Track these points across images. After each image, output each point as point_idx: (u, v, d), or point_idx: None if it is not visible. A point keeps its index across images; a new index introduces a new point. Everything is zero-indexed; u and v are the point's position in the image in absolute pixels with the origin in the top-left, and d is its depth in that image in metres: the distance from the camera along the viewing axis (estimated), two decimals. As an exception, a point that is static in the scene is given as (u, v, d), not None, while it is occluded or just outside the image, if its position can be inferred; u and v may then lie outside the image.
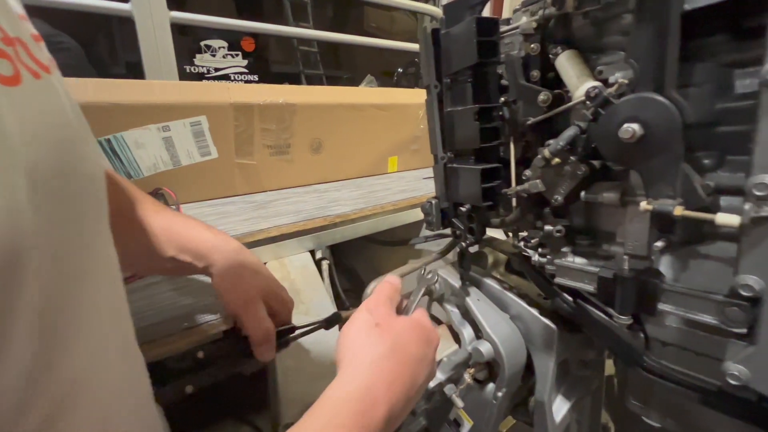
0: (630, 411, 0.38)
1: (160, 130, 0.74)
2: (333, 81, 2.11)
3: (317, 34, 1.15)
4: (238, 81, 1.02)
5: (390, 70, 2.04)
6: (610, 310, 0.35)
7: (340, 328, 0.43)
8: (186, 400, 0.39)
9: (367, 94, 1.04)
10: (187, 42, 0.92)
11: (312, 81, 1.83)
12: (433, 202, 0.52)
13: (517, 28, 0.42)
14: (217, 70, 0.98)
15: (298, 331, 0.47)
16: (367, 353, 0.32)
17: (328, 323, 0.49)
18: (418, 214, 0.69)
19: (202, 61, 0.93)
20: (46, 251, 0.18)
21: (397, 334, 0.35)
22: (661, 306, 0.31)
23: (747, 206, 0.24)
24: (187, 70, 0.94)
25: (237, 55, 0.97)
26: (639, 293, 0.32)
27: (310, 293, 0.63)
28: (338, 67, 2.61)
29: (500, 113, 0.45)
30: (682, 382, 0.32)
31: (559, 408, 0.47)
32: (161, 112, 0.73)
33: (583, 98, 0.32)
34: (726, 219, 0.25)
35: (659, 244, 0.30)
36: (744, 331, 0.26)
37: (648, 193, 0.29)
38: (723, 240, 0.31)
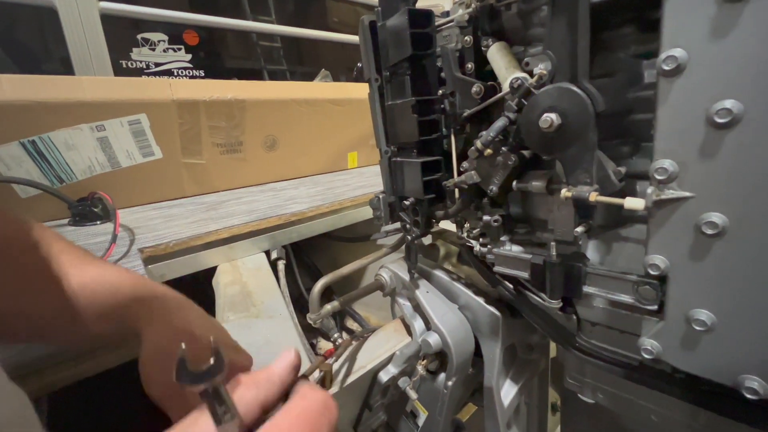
0: (566, 389, 0.40)
1: (94, 130, 0.69)
2: (295, 76, 2.06)
3: (268, 27, 1.11)
4: (181, 77, 0.97)
5: (353, 65, 2.01)
6: (543, 295, 0.36)
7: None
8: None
9: (322, 89, 1.02)
10: (124, 35, 0.86)
11: (276, 77, 1.77)
12: (381, 197, 0.51)
13: (452, 20, 0.42)
14: (157, 65, 0.92)
15: None
16: None
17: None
18: (372, 210, 0.68)
19: (140, 55, 0.87)
20: None
21: None
22: (586, 288, 0.32)
23: (649, 190, 0.25)
24: (124, 65, 0.88)
25: (179, 49, 0.91)
26: (566, 277, 0.33)
27: (262, 295, 0.61)
28: (301, 62, 2.54)
29: (441, 105, 0.45)
30: (609, 359, 0.34)
31: (508, 391, 0.48)
32: (94, 110, 0.68)
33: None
34: (633, 203, 0.26)
35: (579, 229, 0.31)
36: (655, 307, 0.28)
37: (568, 180, 0.30)
38: (640, 223, 0.33)
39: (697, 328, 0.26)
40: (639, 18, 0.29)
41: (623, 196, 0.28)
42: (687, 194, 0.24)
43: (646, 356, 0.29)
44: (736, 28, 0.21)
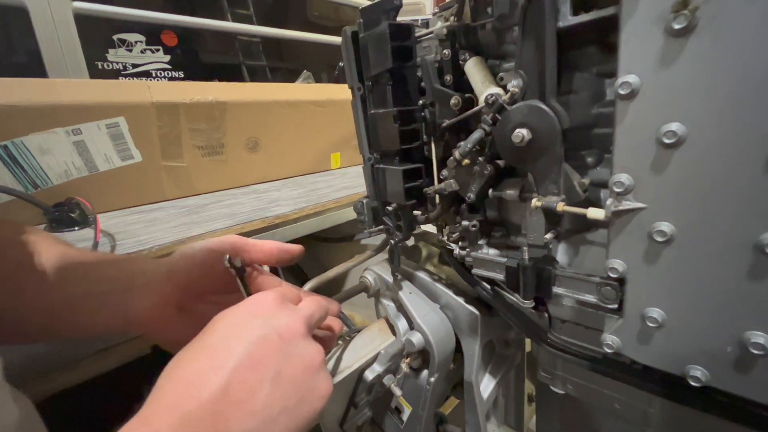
0: (540, 382, 0.43)
1: (70, 134, 0.68)
2: (276, 72, 2.03)
3: (246, 28, 1.09)
4: (160, 78, 0.95)
5: (335, 62, 2.00)
6: (517, 296, 0.38)
7: None
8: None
9: (304, 90, 1.02)
10: (99, 35, 0.83)
11: (255, 73, 1.74)
12: (364, 201, 0.53)
13: (432, 32, 0.44)
14: (135, 66, 0.90)
15: None
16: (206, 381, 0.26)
17: None
18: (356, 212, 0.70)
19: (117, 56, 0.85)
20: None
21: (278, 362, 0.28)
22: (556, 289, 0.35)
23: (609, 201, 0.28)
24: (100, 67, 0.86)
25: (158, 50, 0.89)
26: (537, 279, 0.35)
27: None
28: (281, 58, 2.51)
29: (422, 114, 0.47)
30: (577, 353, 0.37)
31: (487, 385, 0.51)
32: (69, 113, 0.67)
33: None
34: (594, 213, 0.29)
35: (549, 236, 0.33)
36: (615, 306, 0.31)
37: (538, 190, 0.33)
38: (604, 228, 0.36)
39: (651, 324, 0.28)
40: (601, 41, 0.32)
41: (588, 205, 0.30)
42: (641, 205, 0.27)
43: (608, 350, 0.31)
44: (680, 60, 0.24)
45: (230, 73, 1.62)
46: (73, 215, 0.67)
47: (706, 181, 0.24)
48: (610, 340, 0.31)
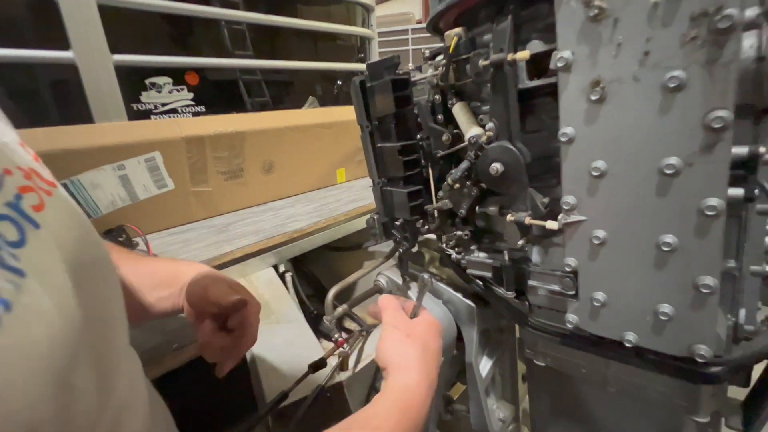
0: (527, 358, 0.53)
1: (115, 169, 0.78)
2: (277, 91, 2.07)
3: (259, 63, 1.21)
4: (186, 114, 1.06)
5: (332, 79, 2.09)
6: (502, 289, 0.49)
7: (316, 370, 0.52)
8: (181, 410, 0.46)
9: (311, 115, 1.13)
10: (133, 81, 0.94)
11: (256, 95, 1.78)
12: (375, 217, 0.63)
13: (425, 78, 0.55)
14: (164, 105, 1.01)
15: (291, 398, 0.49)
16: (410, 358, 0.44)
17: (314, 368, 0.53)
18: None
19: (149, 98, 0.96)
20: (90, 331, 0.25)
21: (421, 337, 0.47)
22: (531, 282, 0.45)
23: (560, 216, 0.38)
24: (135, 108, 0.96)
25: (182, 89, 1.00)
26: (516, 275, 0.46)
27: (278, 304, 0.72)
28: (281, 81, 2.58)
29: (421, 144, 0.57)
30: (551, 331, 0.47)
31: (485, 365, 0.61)
32: (114, 152, 0.77)
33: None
34: (550, 225, 0.39)
35: (521, 242, 0.44)
36: (573, 293, 0.41)
37: (511, 208, 0.43)
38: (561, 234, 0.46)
39: (596, 304, 0.39)
40: (553, 94, 0.42)
41: (550, 218, 0.41)
42: (583, 218, 0.37)
43: (570, 326, 0.42)
44: (598, 119, 0.34)
45: (237, 100, 1.64)
46: (121, 240, 0.78)
47: (622, 200, 0.35)
48: (571, 318, 0.42)
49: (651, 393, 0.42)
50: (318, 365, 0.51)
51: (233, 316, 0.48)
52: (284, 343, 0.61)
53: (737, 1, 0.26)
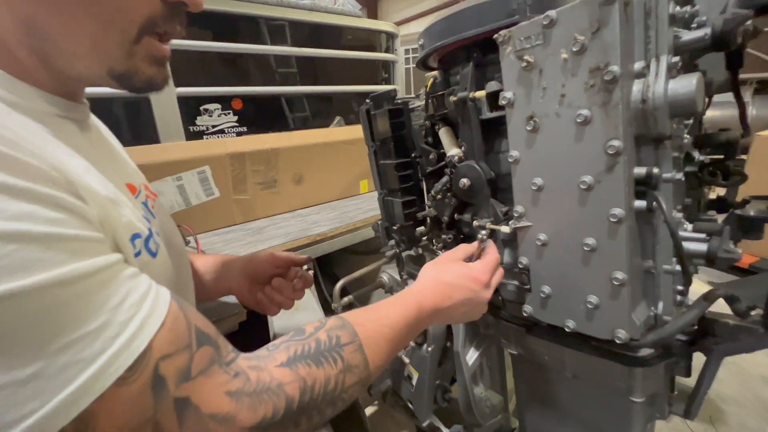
0: (503, 348, 0.61)
1: (175, 180, 0.96)
2: (317, 106, 2.20)
3: (295, 89, 1.38)
4: (231, 134, 1.24)
5: (366, 95, 2.23)
6: (476, 284, 0.57)
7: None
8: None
9: (337, 132, 1.27)
10: (190, 107, 1.14)
11: (297, 119, 1.93)
12: (380, 222, 0.74)
13: (419, 106, 0.66)
14: (213, 126, 1.20)
15: None
16: (419, 278, 0.51)
17: None
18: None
19: (202, 121, 1.15)
20: (176, 281, 0.41)
21: (441, 268, 0.50)
22: (497, 278, 0.54)
23: (511, 222, 0.47)
24: (191, 130, 1.16)
25: (229, 113, 1.19)
26: (486, 272, 0.54)
27: (299, 296, 0.84)
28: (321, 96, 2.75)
29: (418, 161, 0.68)
30: (518, 323, 0.55)
31: (471, 355, 0.69)
32: (174, 166, 0.95)
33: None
34: (504, 229, 0.48)
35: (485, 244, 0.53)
36: (528, 287, 0.49)
37: (478, 215, 0.52)
38: (531, 237, 0.54)
39: (543, 296, 0.47)
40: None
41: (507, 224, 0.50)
42: (529, 224, 0.46)
43: (526, 315, 0.50)
44: (534, 144, 0.43)
45: (280, 115, 1.81)
46: (176, 238, 0.95)
47: (556, 209, 0.43)
48: (527, 309, 0.50)
49: (599, 377, 0.49)
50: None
51: (292, 269, 0.66)
52: (301, 324, 0.73)
53: (618, 61, 0.34)
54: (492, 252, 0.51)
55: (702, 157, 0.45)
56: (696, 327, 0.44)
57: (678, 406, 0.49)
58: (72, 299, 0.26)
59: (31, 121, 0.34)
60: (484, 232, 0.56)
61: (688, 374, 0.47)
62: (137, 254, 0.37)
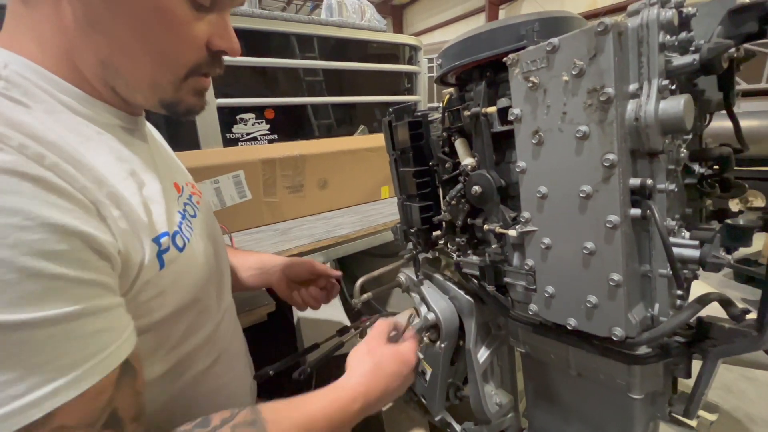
0: (513, 347, 0.65)
1: (212, 183, 1.05)
2: (341, 114, 2.28)
3: (329, 100, 1.47)
4: (263, 141, 1.34)
5: (387, 104, 2.31)
6: (486, 284, 0.61)
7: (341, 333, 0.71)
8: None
9: (361, 140, 1.34)
10: (228, 116, 1.24)
11: (322, 126, 2.02)
12: (398, 226, 0.80)
13: (437, 118, 0.71)
14: (248, 134, 1.30)
15: (323, 347, 0.72)
16: (356, 366, 0.54)
17: (341, 332, 0.74)
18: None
19: (238, 129, 1.26)
20: (216, 269, 0.48)
21: (380, 357, 0.55)
22: (506, 279, 0.58)
23: (518, 226, 0.51)
24: (227, 137, 1.26)
25: (262, 122, 1.29)
26: (495, 273, 0.59)
27: (322, 292, 0.91)
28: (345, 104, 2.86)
29: (435, 169, 0.73)
30: (525, 321, 0.59)
31: (482, 353, 0.73)
32: (213, 170, 1.04)
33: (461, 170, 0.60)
34: (512, 233, 0.52)
35: (494, 246, 0.57)
36: (534, 287, 0.53)
37: (489, 220, 0.57)
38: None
39: (548, 296, 0.51)
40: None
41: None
42: (535, 228, 0.50)
43: (531, 313, 0.54)
44: (540, 156, 0.47)
45: (306, 122, 1.91)
46: (212, 236, 1.04)
47: (558, 215, 0.47)
48: (532, 308, 0.53)
49: (601, 375, 0.52)
50: (343, 330, 0.68)
51: (322, 279, 0.78)
52: (322, 316, 0.79)
53: (612, 83, 0.39)
54: (415, 334, 0.60)
55: (702, 170, 0.48)
56: (694, 330, 0.47)
57: (678, 407, 0.51)
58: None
59: (100, 129, 0.44)
60: (413, 312, 0.66)
61: (687, 375, 0.50)
62: (164, 251, 0.42)
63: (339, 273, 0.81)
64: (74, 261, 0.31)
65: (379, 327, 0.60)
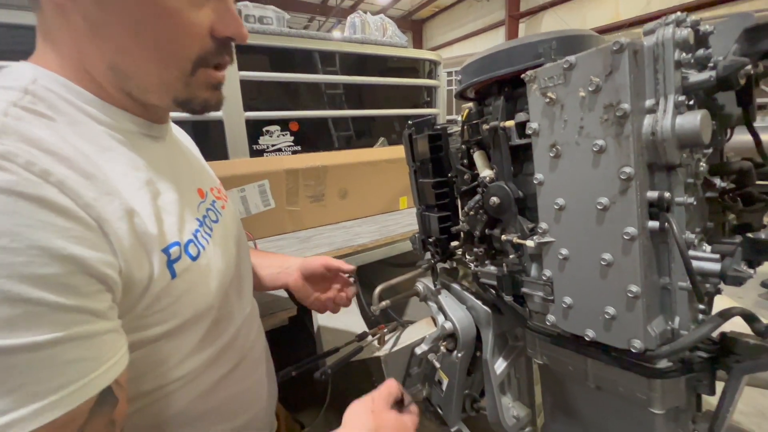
0: (531, 359, 0.65)
1: (239, 192, 1.10)
2: (360, 126, 2.32)
3: (352, 113, 1.53)
4: (287, 152, 1.40)
5: (406, 117, 2.36)
6: (503, 294, 0.62)
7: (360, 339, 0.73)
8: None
9: (380, 152, 1.37)
10: (255, 129, 1.31)
11: (341, 138, 2.08)
12: (417, 236, 0.81)
13: (456, 131, 0.73)
14: (273, 146, 1.36)
15: (342, 351, 0.76)
16: (356, 425, 0.52)
17: (360, 338, 0.77)
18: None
19: (264, 141, 1.32)
20: (237, 273, 0.51)
21: (382, 421, 0.52)
22: (524, 289, 0.58)
23: (535, 237, 0.52)
24: (254, 148, 1.33)
25: (286, 133, 1.34)
26: (513, 284, 0.59)
27: (341, 299, 0.93)
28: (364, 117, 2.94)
29: (454, 180, 0.75)
30: (543, 332, 0.59)
31: (500, 364, 0.73)
32: (239, 179, 1.09)
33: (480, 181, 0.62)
34: (529, 243, 0.53)
35: (512, 256, 0.58)
36: (551, 298, 0.54)
37: (507, 230, 0.58)
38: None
39: (565, 306, 0.51)
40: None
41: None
42: (552, 239, 0.51)
43: (549, 324, 0.54)
44: (558, 168, 0.48)
45: (326, 133, 1.96)
46: (237, 242, 1.08)
47: (576, 227, 0.48)
48: (550, 319, 0.54)
49: (620, 388, 0.52)
50: (362, 336, 0.70)
51: (338, 278, 0.80)
52: (341, 322, 0.81)
53: (628, 99, 0.40)
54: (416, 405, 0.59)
55: (723, 184, 0.48)
56: (718, 345, 0.46)
57: (702, 425, 0.50)
58: None
59: (122, 137, 0.44)
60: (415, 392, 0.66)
61: (712, 392, 0.49)
62: (175, 260, 0.42)
63: (353, 267, 0.80)
64: (59, 286, 0.30)
65: (386, 389, 0.56)
